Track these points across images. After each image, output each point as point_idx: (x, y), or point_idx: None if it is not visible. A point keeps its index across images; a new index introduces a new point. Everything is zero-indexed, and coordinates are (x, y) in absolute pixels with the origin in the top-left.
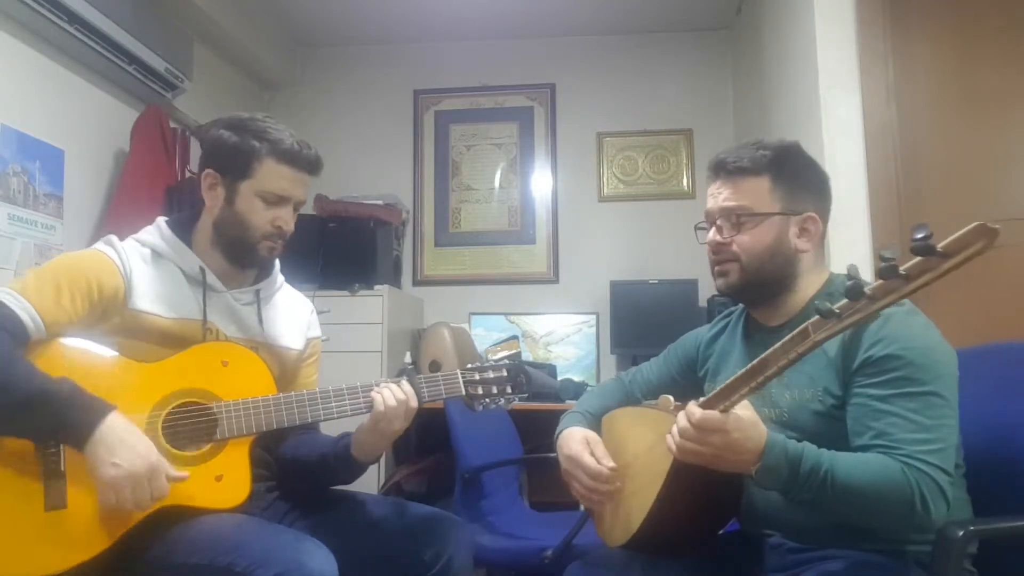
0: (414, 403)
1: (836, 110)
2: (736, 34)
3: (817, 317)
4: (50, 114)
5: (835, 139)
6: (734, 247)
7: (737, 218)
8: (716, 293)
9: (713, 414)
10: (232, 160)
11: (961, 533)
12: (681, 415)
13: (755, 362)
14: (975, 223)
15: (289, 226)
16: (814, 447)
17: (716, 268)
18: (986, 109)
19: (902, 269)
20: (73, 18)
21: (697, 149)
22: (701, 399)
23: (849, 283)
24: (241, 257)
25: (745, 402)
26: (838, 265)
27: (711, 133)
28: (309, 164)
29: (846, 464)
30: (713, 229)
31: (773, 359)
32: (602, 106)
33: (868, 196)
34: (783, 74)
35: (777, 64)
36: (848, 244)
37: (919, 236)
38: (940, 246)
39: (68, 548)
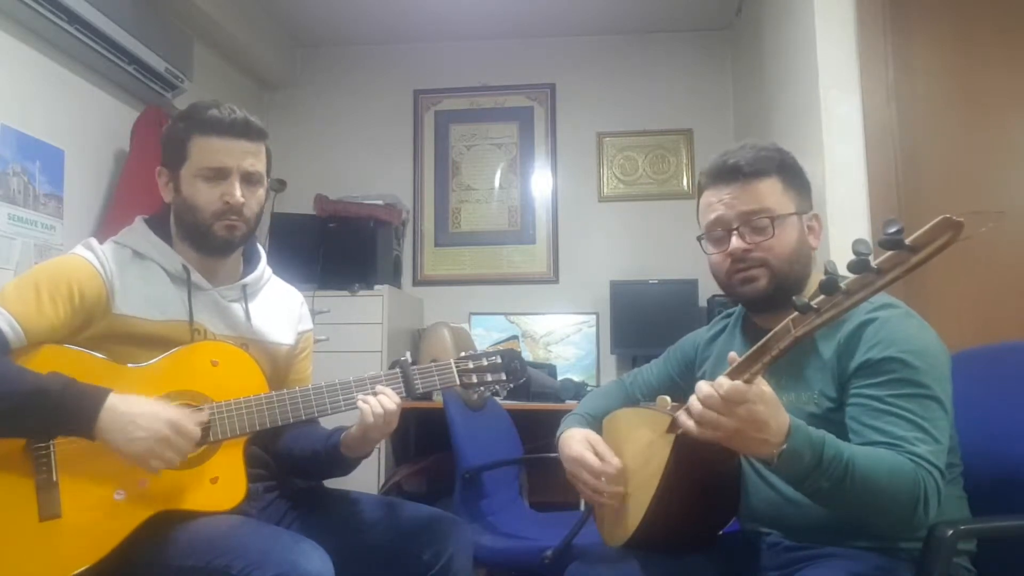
0: (391, 405)
1: (836, 110)
2: (736, 34)
3: (796, 313)
4: (50, 114)
5: (835, 139)
6: (758, 253)
7: (771, 221)
8: (717, 293)
9: (740, 384)
10: (170, 150)
11: (951, 532)
12: (702, 384)
13: (751, 351)
14: (940, 216)
15: (235, 197)
16: (831, 435)
17: (740, 276)
18: (986, 109)
19: (874, 263)
20: (73, 18)
21: (697, 149)
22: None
23: (824, 278)
24: (204, 244)
25: (762, 379)
26: (841, 265)
27: (711, 133)
28: (237, 128)
29: (863, 453)
30: (735, 236)
31: (757, 355)
32: (602, 106)
33: (868, 196)
34: (783, 74)
35: (777, 64)
36: (848, 244)
37: (891, 231)
38: (908, 240)
39: (66, 557)
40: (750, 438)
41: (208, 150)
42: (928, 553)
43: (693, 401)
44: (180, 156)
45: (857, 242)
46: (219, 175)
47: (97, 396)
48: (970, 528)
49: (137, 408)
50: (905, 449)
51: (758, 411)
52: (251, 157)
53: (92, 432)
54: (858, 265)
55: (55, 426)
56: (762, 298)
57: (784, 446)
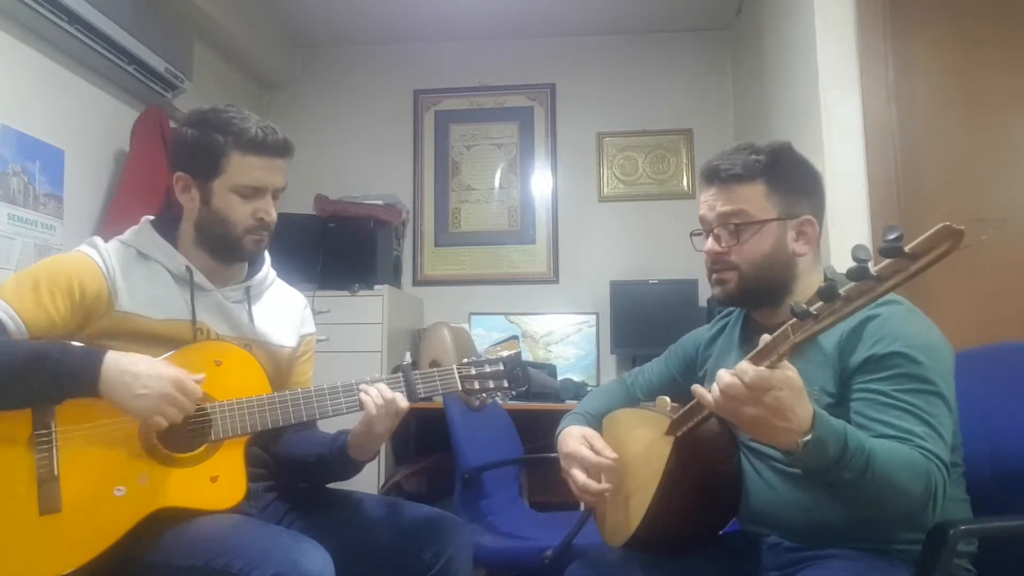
0: (403, 404)
1: (836, 110)
2: (736, 34)
3: (794, 319)
4: (50, 114)
5: (835, 139)
6: (732, 256)
7: (736, 226)
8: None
9: (764, 371)
10: (199, 159)
11: (951, 532)
12: (723, 373)
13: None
14: (940, 224)
15: (271, 216)
16: (850, 425)
17: (714, 277)
18: (986, 109)
19: (874, 271)
20: (73, 18)
21: (697, 149)
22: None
23: (823, 285)
24: (228, 254)
25: (787, 363)
26: (839, 265)
27: (711, 133)
28: (278, 149)
29: (881, 445)
30: (711, 238)
31: (759, 359)
32: (602, 106)
33: (868, 197)
34: (783, 74)
35: (777, 64)
36: (848, 245)
37: (890, 238)
38: (908, 248)
39: (65, 552)
40: (774, 427)
41: (249, 167)
42: (929, 554)
43: (714, 390)
44: (213, 168)
45: (857, 248)
46: (257, 193)
47: (96, 353)
48: (970, 528)
49: (139, 367)
50: (915, 444)
51: (784, 398)
52: (282, 174)
53: (96, 388)
54: (857, 272)
55: (60, 387)
56: (730, 300)
57: (810, 436)
